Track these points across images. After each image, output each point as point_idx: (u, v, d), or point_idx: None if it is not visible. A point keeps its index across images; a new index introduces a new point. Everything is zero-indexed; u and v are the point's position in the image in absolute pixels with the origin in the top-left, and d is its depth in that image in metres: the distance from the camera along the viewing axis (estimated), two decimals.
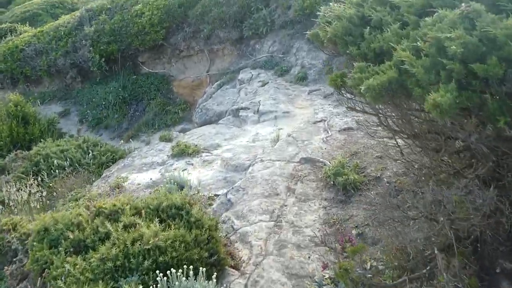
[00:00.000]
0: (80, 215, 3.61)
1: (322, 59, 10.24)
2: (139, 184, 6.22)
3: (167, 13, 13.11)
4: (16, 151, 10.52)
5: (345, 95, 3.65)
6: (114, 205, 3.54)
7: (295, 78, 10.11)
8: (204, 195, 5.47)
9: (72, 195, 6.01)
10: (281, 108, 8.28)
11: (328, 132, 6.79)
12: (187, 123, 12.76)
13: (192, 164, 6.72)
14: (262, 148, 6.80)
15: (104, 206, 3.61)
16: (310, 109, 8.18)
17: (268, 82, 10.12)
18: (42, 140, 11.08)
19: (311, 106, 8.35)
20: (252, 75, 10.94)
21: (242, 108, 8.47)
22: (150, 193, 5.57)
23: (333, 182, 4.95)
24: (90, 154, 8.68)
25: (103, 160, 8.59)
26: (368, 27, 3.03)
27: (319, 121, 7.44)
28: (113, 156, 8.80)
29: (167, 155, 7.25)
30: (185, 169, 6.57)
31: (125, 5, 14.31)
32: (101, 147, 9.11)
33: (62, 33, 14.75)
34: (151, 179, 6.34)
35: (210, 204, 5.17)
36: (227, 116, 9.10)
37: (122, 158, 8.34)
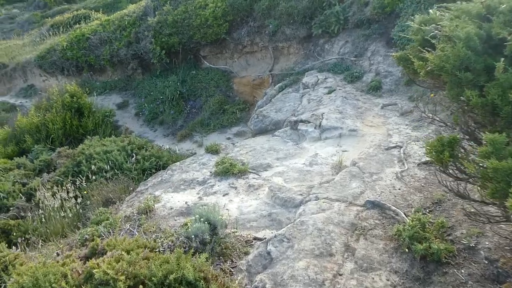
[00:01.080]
0: (65, 276, 2.77)
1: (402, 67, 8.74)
2: (171, 208, 5.34)
3: (232, 6, 12.19)
4: (68, 144, 10.28)
5: (453, 172, 2.37)
6: (106, 274, 2.64)
7: (367, 87, 8.73)
8: (241, 236, 4.46)
9: (96, 215, 5.27)
10: (347, 124, 7.02)
11: (404, 164, 5.46)
12: (244, 125, 11.85)
13: (236, 188, 5.73)
14: (320, 175, 5.64)
15: (96, 268, 2.74)
16: (382, 129, 6.84)
17: (335, 89, 8.85)
18: (95, 134, 10.79)
19: (384, 125, 7.00)
20: (318, 79, 9.70)
21: (302, 121, 7.31)
22: (181, 225, 4.65)
23: (408, 247, 3.69)
24: (133, 158, 8.02)
25: (146, 166, 7.91)
26: (502, 58, 1.80)
27: (393, 147, 6.10)
28: (157, 162, 8.09)
29: (210, 172, 6.32)
30: (227, 194, 5.61)
31: None
32: (146, 150, 8.43)
33: (127, 23, 14.42)
34: (186, 203, 5.45)
35: (246, 253, 4.14)
36: (285, 127, 7.99)
37: (165, 166, 7.56)
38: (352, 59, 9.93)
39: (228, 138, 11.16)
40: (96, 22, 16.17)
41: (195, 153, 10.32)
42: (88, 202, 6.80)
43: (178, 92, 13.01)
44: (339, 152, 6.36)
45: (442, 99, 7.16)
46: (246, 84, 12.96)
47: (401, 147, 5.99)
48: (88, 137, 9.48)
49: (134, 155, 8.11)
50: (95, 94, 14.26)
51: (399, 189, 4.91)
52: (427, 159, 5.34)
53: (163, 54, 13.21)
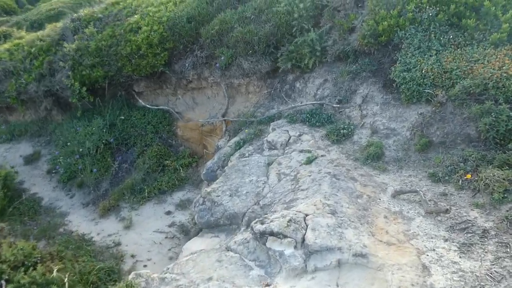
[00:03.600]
0: None
1: (410, 122, 6.11)
2: None
3: (172, 30, 9.24)
4: None
5: None
6: None
7: (362, 154, 6.01)
8: None
9: None
10: (348, 239, 4.20)
11: None
12: (191, 188, 8.92)
13: None
14: None
15: None
16: (408, 251, 4.07)
17: (316, 157, 6.07)
18: None
19: (408, 240, 4.25)
20: (290, 136, 6.90)
21: (272, 233, 4.42)
22: None
23: None
24: None
25: None
26: None
27: None
28: None
29: None
30: None
31: (120, 15, 10.53)
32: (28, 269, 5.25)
33: (40, 49, 11.10)
34: None
35: None
36: (245, 229, 5.10)
37: None
38: (334, 105, 7.20)
39: (168, 213, 8.15)
40: (4, 46, 12.69)
41: (119, 243, 7.29)
42: None
43: (103, 141, 9.84)
44: None
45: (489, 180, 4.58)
46: (194, 128, 10.01)
47: None
48: None
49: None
50: None
51: None
52: None
53: (84, 91, 10.00)
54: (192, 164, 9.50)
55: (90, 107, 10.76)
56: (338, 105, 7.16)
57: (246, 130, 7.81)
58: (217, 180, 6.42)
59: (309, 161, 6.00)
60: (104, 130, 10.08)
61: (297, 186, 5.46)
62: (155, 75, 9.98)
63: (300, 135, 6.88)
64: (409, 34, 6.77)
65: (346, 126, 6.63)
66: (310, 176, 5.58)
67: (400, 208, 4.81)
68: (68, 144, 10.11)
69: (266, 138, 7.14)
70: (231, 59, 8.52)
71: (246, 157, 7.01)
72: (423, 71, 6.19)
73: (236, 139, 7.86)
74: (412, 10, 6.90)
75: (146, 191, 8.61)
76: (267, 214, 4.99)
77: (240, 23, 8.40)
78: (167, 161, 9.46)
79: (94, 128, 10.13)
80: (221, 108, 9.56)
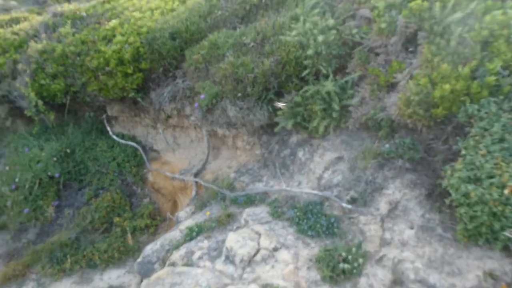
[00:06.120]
0: None
1: (466, 281, 3.25)
2: None
3: (150, 46, 6.82)
4: None
5: None
6: None
7: None
8: None
9: None
10: None
11: None
12: (133, 268, 6.31)
13: None
14: None
15: None
16: None
17: None
18: None
19: None
20: (260, 248, 4.22)
21: None
22: None
23: None
24: None
25: None
26: None
27: None
28: None
29: None
30: None
31: (104, 16, 8.28)
32: None
33: (11, 44, 9.04)
34: None
35: None
36: None
37: None
38: (344, 205, 4.44)
39: None
40: None
41: None
42: None
43: (49, 172, 7.54)
44: None
45: None
46: (168, 178, 7.50)
47: None
48: None
49: None
50: None
51: None
52: None
53: (41, 105, 7.79)
54: (150, 229, 6.98)
55: (52, 126, 8.54)
56: (350, 206, 4.40)
57: (208, 213, 5.19)
58: None
59: None
60: (55, 159, 7.78)
61: None
62: (127, 99, 7.60)
63: (276, 249, 4.18)
64: (485, 112, 3.95)
65: (352, 253, 3.86)
66: None
67: None
68: (7, 168, 7.89)
69: (227, 238, 4.49)
70: (215, 99, 5.96)
71: (188, 264, 4.40)
72: (506, 192, 3.36)
73: (193, 220, 5.26)
74: (496, 71, 4.09)
75: (69, 261, 6.15)
76: None
77: (234, 50, 5.84)
78: (118, 218, 7.01)
79: (44, 154, 7.86)
80: (201, 159, 7.02)
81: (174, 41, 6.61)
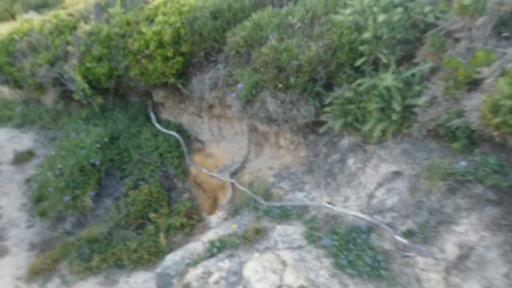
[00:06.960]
0: None
1: None
2: None
3: (192, 26, 6.09)
4: None
5: None
6: None
7: None
8: None
9: None
10: None
11: None
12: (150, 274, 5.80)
13: None
14: None
15: None
16: None
17: None
18: None
19: None
20: (301, 285, 3.36)
21: None
22: None
23: None
24: None
25: None
26: None
27: None
28: None
29: None
30: None
31: None
32: None
33: (67, 25, 8.89)
34: None
35: None
36: None
37: None
38: (398, 238, 3.40)
39: None
40: (51, 16, 10.86)
41: None
42: None
43: (90, 161, 7.27)
44: None
45: None
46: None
47: None
48: None
49: None
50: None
51: None
52: None
53: (87, 89, 7.52)
54: (185, 228, 6.41)
55: (102, 110, 8.31)
56: (405, 241, 3.36)
57: (233, 226, 4.41)
58: None
59: None
60: (99, 146, 7.49)
61: None
62: (169, 85, 7.01)
63: None
64: None
65: None
66: None
67: None
68: (53, 153, 7.77)
69: (245, 266, 3.70)
70: (255, 89, 5.10)
71: None
72: None
73: (216, 233, 4.53)
74: None
75: (97, 259, 5.77)
76: None
77: (279, 32, 4.89)
78: (153, 214, 6.53)
79: (89, 139, 7.60)
80: (244, 155, 6.24)
81: (216, 21, 5.81)
